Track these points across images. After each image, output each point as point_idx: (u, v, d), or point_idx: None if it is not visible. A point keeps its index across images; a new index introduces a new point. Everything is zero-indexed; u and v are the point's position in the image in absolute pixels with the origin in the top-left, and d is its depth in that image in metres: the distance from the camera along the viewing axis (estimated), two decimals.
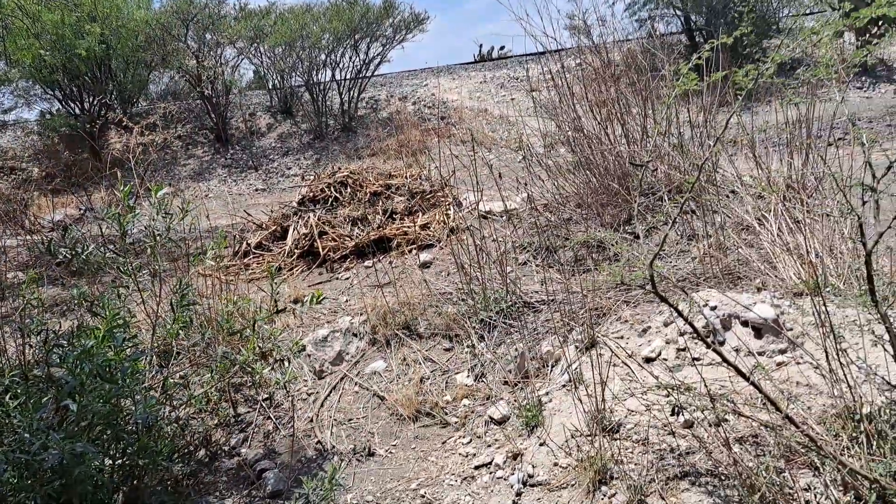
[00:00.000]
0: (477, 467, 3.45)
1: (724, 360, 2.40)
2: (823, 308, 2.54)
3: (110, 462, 3.53)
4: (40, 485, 3.16)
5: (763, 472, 2.50)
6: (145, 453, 3.47)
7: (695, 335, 2.55)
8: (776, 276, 3.62)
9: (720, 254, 4.07)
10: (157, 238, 3.96)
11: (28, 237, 6.91)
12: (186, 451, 4.10)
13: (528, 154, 5.03)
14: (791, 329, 3.24)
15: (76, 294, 3.80)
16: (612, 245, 3.79)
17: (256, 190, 13.24)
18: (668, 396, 2.85)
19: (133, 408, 3.44)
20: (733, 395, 2.96)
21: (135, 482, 3.65)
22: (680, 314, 2.44)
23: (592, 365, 3.27)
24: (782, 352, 3.14)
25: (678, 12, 14.59)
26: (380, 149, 13.29)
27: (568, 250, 4.83)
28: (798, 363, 3.02)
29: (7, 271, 6.33)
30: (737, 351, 3.25)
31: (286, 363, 4.07)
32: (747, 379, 2.38)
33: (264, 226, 6.12)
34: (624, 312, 4.02)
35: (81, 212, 8.76)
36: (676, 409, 2.74)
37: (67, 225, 6.34)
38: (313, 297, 3.94)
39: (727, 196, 4.39)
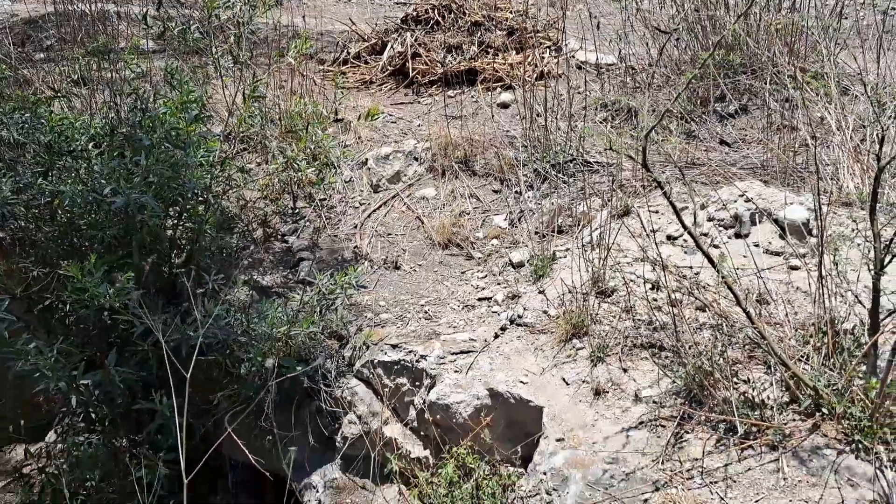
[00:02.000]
0: (480, 299, 3.67)
1: (697, 245, 2.39)
2: (821, 216, 2.43)
3: (172, 222, 4.01)
4: (108, 225, 3.67)
5: (717, 358, 2.54)
6: (195, 219, 3.91)
7: (680, 221, 2.52)
8: (835, 184, 3.40)
9: (790, 150, 3.82)
10: (242, 26, 4.18)
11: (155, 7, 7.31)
12: (245, 228, 4.56)
13: (627, 4, 4.72)
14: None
15: (164, 67, 4.14)
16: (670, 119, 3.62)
17: (396, 3, 13.19)
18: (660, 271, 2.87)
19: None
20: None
21: (193, 246, 4.14)
22: (667, 198, 2.42)
23: (609, 231, 3.28)
24: (801, 256, 3.04)
25: None
26: None
27: (648, 118, 4.65)
28: (809, 270, 2.93)
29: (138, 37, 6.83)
30: (756, 245, 3.16)
31: (332, 168, 4.32)
32: (714, 266, 2.38)
33: (366, 38, 6.20)
34: (672, 189, 3.93)
35: None
36: (654, 285, 2.77)
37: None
38: (369, 113, 4.10)
39: (831, 93, 4.02)
